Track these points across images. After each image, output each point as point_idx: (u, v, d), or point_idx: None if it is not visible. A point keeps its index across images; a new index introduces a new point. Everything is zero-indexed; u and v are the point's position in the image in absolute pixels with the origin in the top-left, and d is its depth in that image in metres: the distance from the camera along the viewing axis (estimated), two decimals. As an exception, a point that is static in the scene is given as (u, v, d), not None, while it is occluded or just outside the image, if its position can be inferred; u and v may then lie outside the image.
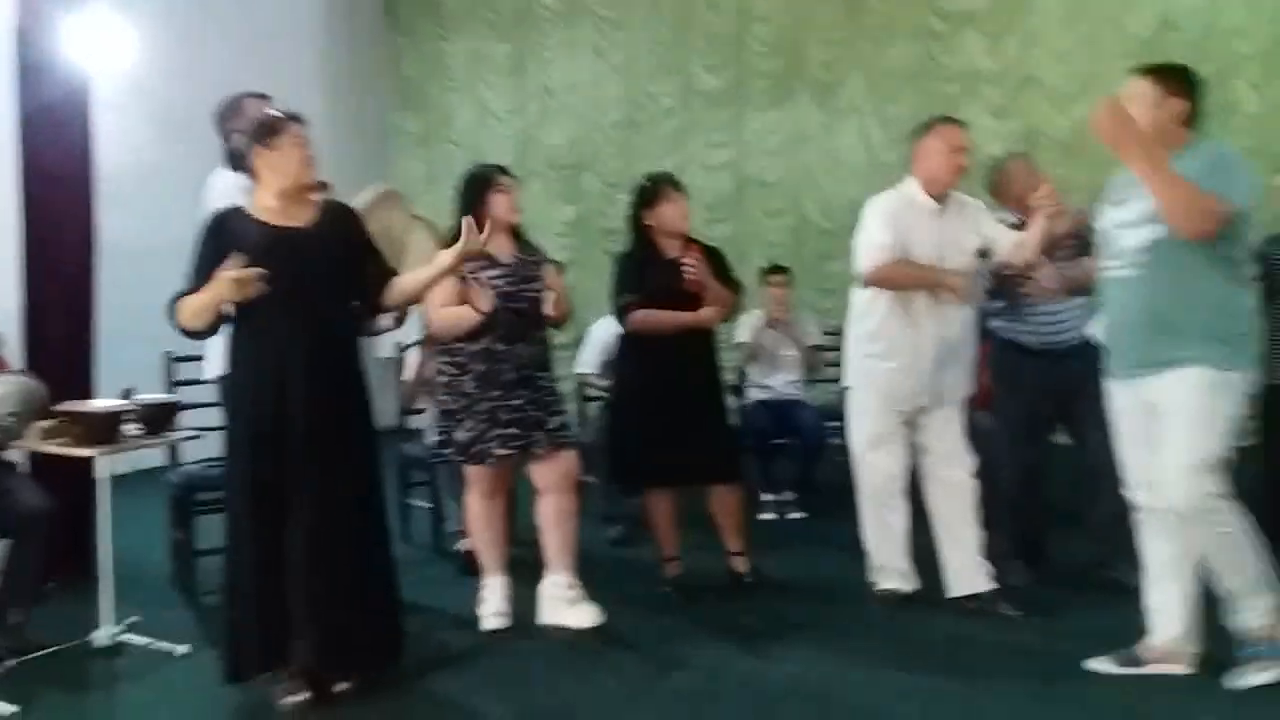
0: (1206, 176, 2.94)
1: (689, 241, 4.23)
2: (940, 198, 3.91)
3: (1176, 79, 3.11)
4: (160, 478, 4.62)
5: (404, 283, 3.36)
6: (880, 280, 3.87)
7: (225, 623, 3.21)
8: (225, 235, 3.09)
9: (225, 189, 3.62)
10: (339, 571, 3.15)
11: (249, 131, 3.19)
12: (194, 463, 4.56)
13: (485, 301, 3.61)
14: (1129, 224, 3.13)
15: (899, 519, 4.04)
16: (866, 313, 3.99)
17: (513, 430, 3.78)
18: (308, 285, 3.10)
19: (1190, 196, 2.91)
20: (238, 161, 3.23)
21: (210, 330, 3.11)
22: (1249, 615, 3.05)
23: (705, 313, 4.08)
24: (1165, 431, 3.02)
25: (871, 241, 3.88)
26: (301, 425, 3.07)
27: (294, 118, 3.18)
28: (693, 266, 4.02)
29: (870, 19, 7.90)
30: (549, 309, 3.91)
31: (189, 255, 3.12)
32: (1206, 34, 7.26)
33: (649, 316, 4.11)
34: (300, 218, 3.18)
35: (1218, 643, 3.20)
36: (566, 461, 3.88)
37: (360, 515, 3.24)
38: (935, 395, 3.92)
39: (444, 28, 8.87)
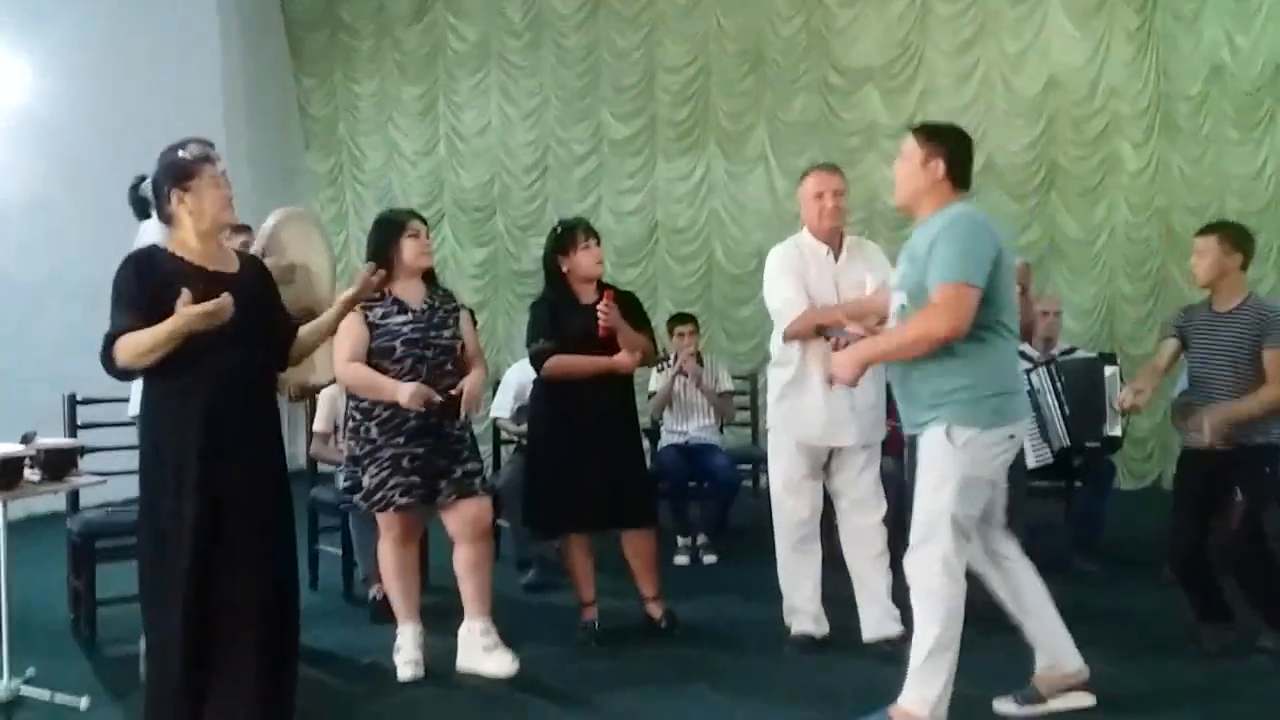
0: (926, 255, 3.01)
1: (603, 287, 4.28)
2: (832, 242, 4.01)
3: (939, 139, 3.15)
4: (58, 525, 4.47)
5: (304, 334, 3.32)
6: (799, 335, 3.93)
7: (152, 681, 3.02)
8: (156, 274, 2.97)
9: (158, 231, 3.53)
10: (277, 627, 3.06)
11: (163, 174, 3.07)
12: (95, 507, 4.42)
13: (416, 401, 3.62)
14: (895, 288, 3.25)
15: (812, 562, 4.10)
16: (782, 359, 4.06)
17: (415, 479, 3.75)
18: (242, 331, 2.99)
19: (912, 342, 3.02)
20: (145, 207, 3.10)
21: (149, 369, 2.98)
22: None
23: (620, 357, 4.11)
24: (917, 483, 3.12)
25: (783, 298, 3.97)
26: (235, 474, 2.99)
27: (208, 158, 3.10)
28: (605, 312, 4.07)
29: (773, 72, 8.15)
30: (471, 362, 3.92)
31: (111, 295, 2.97)
32: (1090, 94, 7.67)
33: (563, 362, 4.13)
34: (224, 262, 3.12)
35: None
36: (475, 510, 3.85)
37: (288, 566, 3.18)
38: (849, 440, 3.99)
39: (353, 69, 8.84)
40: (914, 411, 3.13)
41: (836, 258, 4.00)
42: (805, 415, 3.98)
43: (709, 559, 5.55)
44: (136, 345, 2.87)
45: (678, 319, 6.11)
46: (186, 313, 2.82)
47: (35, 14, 6.98)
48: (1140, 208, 7.61)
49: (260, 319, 3.10)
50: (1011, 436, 3.05)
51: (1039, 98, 7.75)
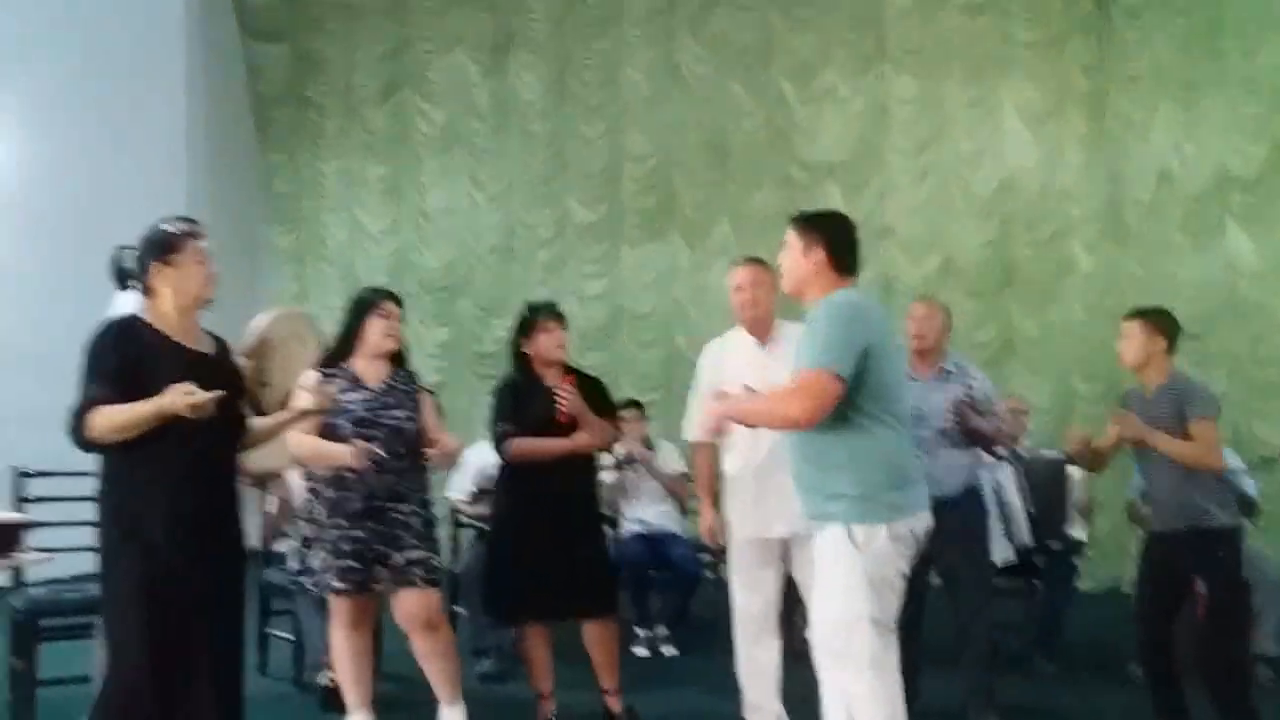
0: (803, 344, 3.01)
1: (567, 370, 4.27)
2: (758, 332, 4.01)
3: (818, 228, 3.14)
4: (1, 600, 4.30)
5: (257, 426, 3.30)
6: (705, 436, 3.91)
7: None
8: (134, 346, 2.94)
9: (134, 303, 3.49)
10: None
11: (146, 246, 3.06)
12: (40, 584, 4.27)
13: (359, 460, 3.58)
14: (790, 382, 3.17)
15: (770, 656, 4.01)
16: (726, 448, 4.03)
17: (350, 563, 3.68)
18: (222, 417, 2.96)
19: (767, 414, 3.06)
20: (125, 277, 3.09)
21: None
22: None
23: (582, 437, 4.08)
24: (819, 585, 3.03)
25: (694, 397, 4.06)
26: (204, 554, 2.94)
27: (193, 234, 3.09)
28: (565, 398, 4.04)
29: (736, 166, 8.30)
30: (440, 445, 3.88)
31: (86, 362, 2.93)
32: (1044, 195, 7.89)
33: (524, 445, 4.09)
34: (198, 340, 3.10)
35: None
36: (415, 601, 3.73)
37: (234, 645, 3.10)
38: (783, 530, 3.85)
39: (319, 147, 8.87)
40: (810, 506, 3.05)
41: (765, 346, 4.01)
42: (740, 508, 3.95)
43: (669, 650, 5.47)
44: (113, 421, 2.83)
45: (623, 405, 6.07)
46: (175, 402, 2.78)
47: None
48: (1094, 309, 7.76)
49: (231, 399, 3.05)
50: (913, 530, 2.96)
51: (994, 197, 7.95)
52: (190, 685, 2.89)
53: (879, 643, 2.91)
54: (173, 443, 2.87)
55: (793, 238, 3.16)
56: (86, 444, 2.87)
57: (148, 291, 3.05)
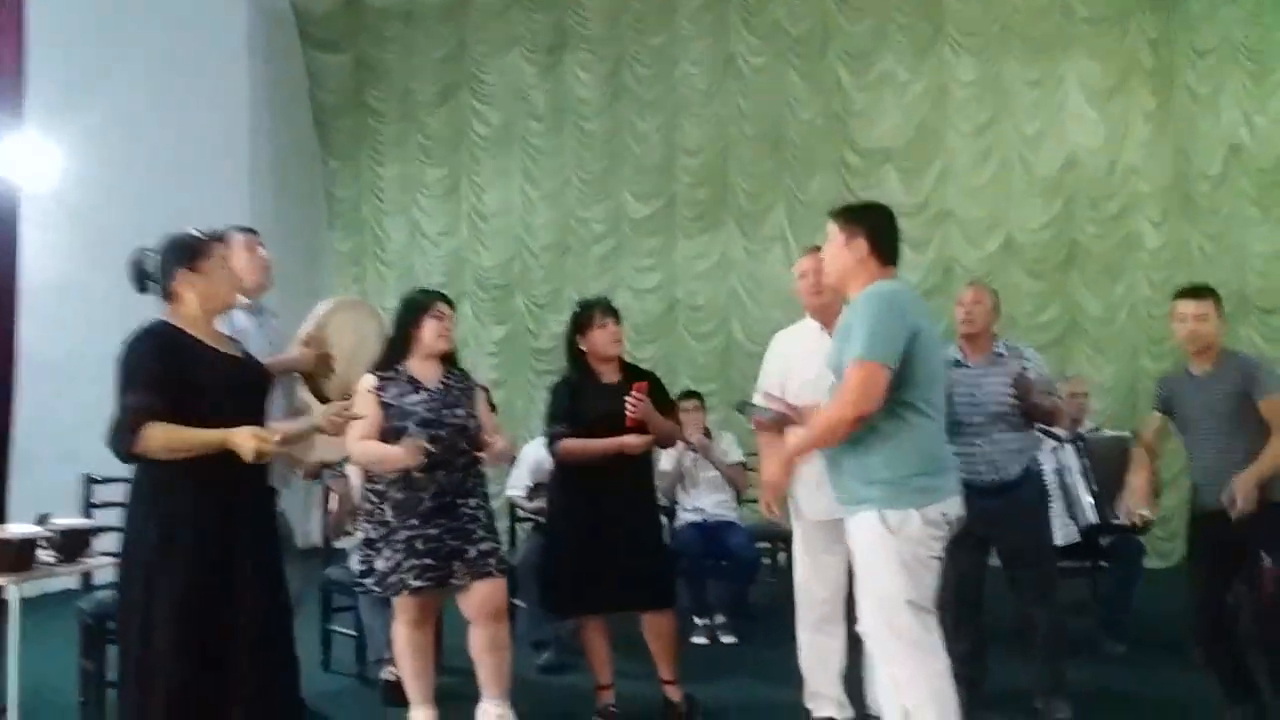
0: (845, 338, 2.99)
1: (627, 369, 4.28)
2: (824, 319, 3.96)
3: (858, 220, 3.14)
4: (70, 602, 4.43)
5: (291, 428, 3.32)
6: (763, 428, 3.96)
7: None
8: (173, 352, 2.94)
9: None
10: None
11: (171, 252, 3.04)
12: (108, 586, 4.39)
13: (415, 457, 3.62)
14: (829, 367, 3.18)
15: (834, 644, 3.97)
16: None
17: (428, 561, 3.71)
18: (247, 410, 2.99)
19: (825, 429, 2.99)
20: (141, 280, 3.08)
21: None
22: None
23: (628, 438, 4.04)
24: (859, 570, 3.04)
25: (763, 383, 4.05)
26: (247, 567, 2.94)
27: (218, 238, 3.12)
28: (635, 404, 4.03)
29: (791, 153, 8.24)
30: (489, 447, 3.92)
31: (124, 370, 2.90)
32: (1109, 173, 7.71)
33: (573, 446, 4.10)
34: (222, 344, 3.12)
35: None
36: (489, 591, 3.78)
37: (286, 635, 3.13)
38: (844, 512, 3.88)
39: (378, 151, 9.00)
40: (844, 491, 3.07)
41: (831, 333, 3.97)
42: (803, 489, 3.94)
43: (728, 639, 5.45)
44: (172, 440, 2.80)
45: (683, 396, 6.11)
46: (244, 445, 2.76)
47: (67, 99, 7.15)
48: (1160, 285, 7.58)
49: (261, 400, 3.11)
50: (944, 514, 2.97)
51: (1057, 177, 7.80)
52: (226, 707, 2.88)
53: (918, 624, 2.92)
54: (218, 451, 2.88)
55: (834, 231, 3.16)
56: (131, 456, 2.83)
57: (170, 296, 3.03)
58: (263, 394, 3.13)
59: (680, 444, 5.72)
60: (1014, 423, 4.17)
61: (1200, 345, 3.88)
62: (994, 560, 4.24)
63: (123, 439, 2.79)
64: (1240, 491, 3.65)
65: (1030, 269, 7.76)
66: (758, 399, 3.87)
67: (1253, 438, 3.76)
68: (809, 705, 4.04)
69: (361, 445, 3.74)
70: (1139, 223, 7.68)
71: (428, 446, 3.67)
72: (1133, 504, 4.01)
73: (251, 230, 3.83)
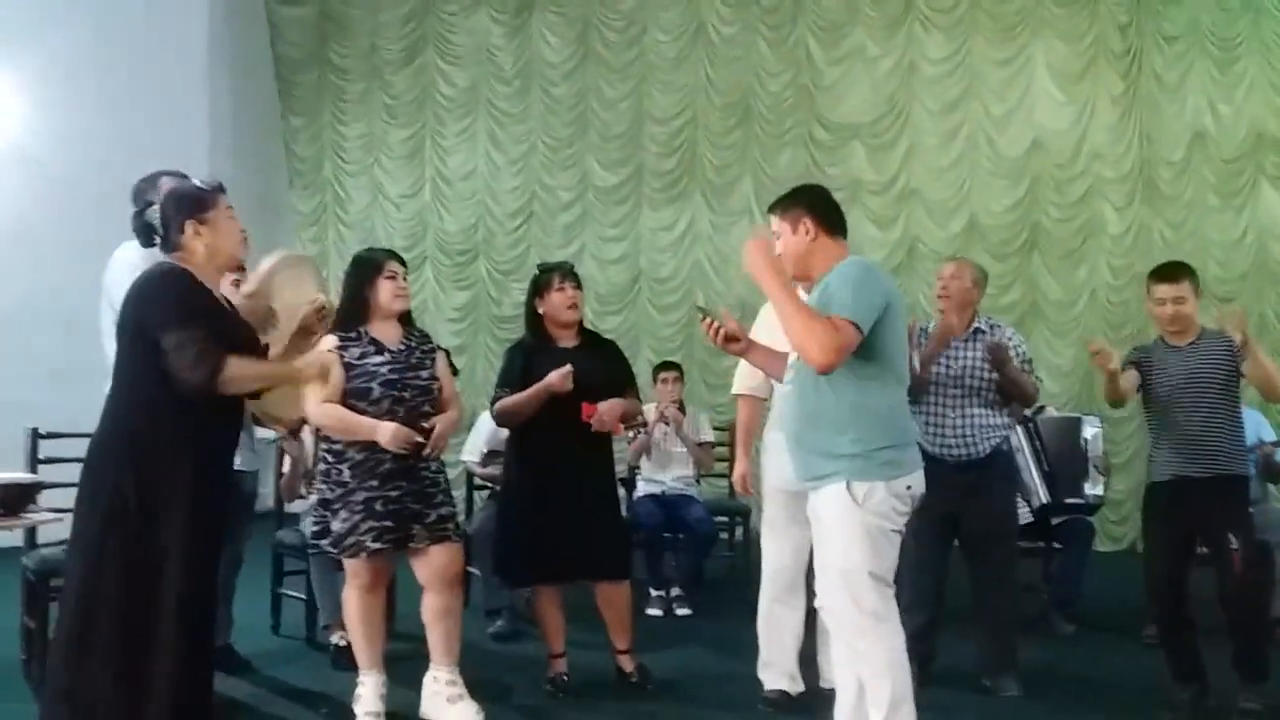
0: (829, 299, 2.94)
1: (587, 336, 4.25)
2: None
3: (796, 204, 3.11)
4: (13, 559, 4.34)
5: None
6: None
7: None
8: (202, 297, 2.96)
9: (133, 262, 3.48)
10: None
11: (175, 203, 3.01)
12: (53, 544, 4.30)
13: (397, 442, 3.57)
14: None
15: (793, 615, 3.99)
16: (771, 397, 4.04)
17: (388, 523, 3.65)
18: None
19: (797, 317, 2.89)
20: (150, 234, 3.03)
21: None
22: None
23: (554, 375, 3.95)
24: (821, 543, 3.04)
25: (740, 370, 4.06)
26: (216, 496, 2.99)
27: (220, 188, 3.08)
28: (601, 423, 4.00)
29: (760, 126, 8.19)
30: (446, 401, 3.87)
31: (161, 301, 2.88)
32: (1074, 156, 7.75)
33: (506, 403, 4.07)
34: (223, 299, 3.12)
35: None
36: (447, 556, 3.73)
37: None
38: None
39: (340, 110, 8.84)
40: (808, 465, 3.03)
41: None
42: (776, 459, 3.91)
43: (683, 611, 5.45)
44: (252, 373, 2.91)
45: (662, 366, 6.11)
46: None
47: (21, 41, 6.97)
48: (1121, 271, 7.66)
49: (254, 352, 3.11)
50: (909, 488, 2.96)
51: (1023, 159, 7.82)
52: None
53: (879, 596, 2.91)
54: (211, 406, 2.89)
55: (778, 223, 3.13)
56: (213, 387, 2.83)
57: (175, 248, 2.99)
58: (256, 342, 3.12)
59: (653, 413, 5.72)
60: (989, 399, 4.19)
61: (1181, 326, 3.89)
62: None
63: (207, 367, 2.80)
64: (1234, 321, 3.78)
65: (993, 250, 7.79)
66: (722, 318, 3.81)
67: (1227, 411, 3.81)
68: (761, 676, 4.05)
69: (327, 411, 3.65)
70: (1102, 207, 7.73)
71: (417, 439, 3.62)
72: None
73: (182, 175, 3.70)
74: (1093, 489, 5.14)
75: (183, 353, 2.80)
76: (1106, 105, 7.70)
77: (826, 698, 3.85)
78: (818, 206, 3.11)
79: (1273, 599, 4.37)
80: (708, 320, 3.26)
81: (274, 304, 3.65)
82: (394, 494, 3.66)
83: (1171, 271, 3.97)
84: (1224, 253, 7.41)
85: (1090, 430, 5.21)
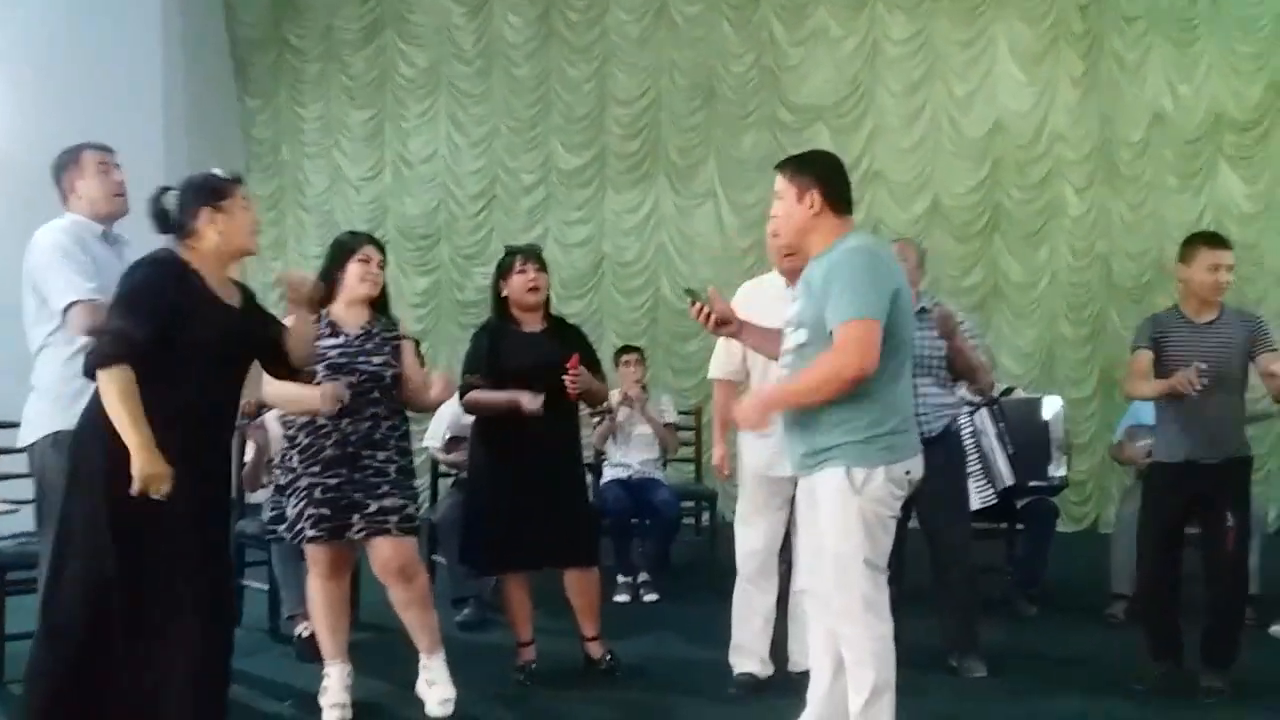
0: (823, 289, 2.90)
1: (552, 320, 4.22)
2: (792, 278, 3.94)
3: (807, 170, 3.01)
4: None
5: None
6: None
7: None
8: (184, 291, 2.93)
9: (61, 244, 3.39)
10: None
11: (193, 190, 3.04)
12: (5, 537, 4.22)
13: (327, 402, 3.51)
14: (790, 324, 3.09)
15: (765, 599, 3.99)
16: (748, 388, 4.02)
17: (324, 511, 3.61)
18: (231, 361, 3.06)
19: (820, 384, 2.84)
20: (166, 219, 3.04)
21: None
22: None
23: (525, 397, 3.91)
24: (812, 525, 3.01)
25: (717, 354, 4.08)
26: (198, 484, 2.93)
27: (238, 179, 3.12)
28: (574, 380, 3.95)
29: (724, 108, 8.15)
30: (417, 390, 3.83)
31: (129, 288, 2.89)
32: (1035, 138, 7.78)
33: (477, 397, 4.04)
34: (229, 293, 3.09)
35: None
36: (389, 550, 3.65)
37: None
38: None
39: (298, 91, 8.68)
40: (806, 448, 2.98)
41: (794, 288, 3.94)
42: (754, 444, 3.90)
43: (650, 597, 5.44)
44: (122, 401, 2.77)
45: (624, 350, 6.09)
46: (154, 473, 2.74)
47: (-34, 25, 6.78)
48: (1082, 252, 7.71)
49: (249, 353, 3.13)
50: (908, 473, 2.94)
51: (985, 140, 7.84)
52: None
53: (871, 583, 2.89)
54: (188, 389, 2.88)
55: (783, 185, 3.03)
56: (94, 374, 2.82)
57: (188, 234, 3.02)
58: (251, 345, 3.14)
59: (617, 396, 5.70)
60: (940, 377, 4.21)
61: (1220, 296, 3.89)
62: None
63: (96, 360, 2.81)
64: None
65: (955, 232, 7.81)
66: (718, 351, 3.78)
67: (1238, 393, 3.85)
68: (731, 660, 4.05)
69: (276, 385, 3.59)
70: (1062, 189, 7.77)
71: (345, 392, 3.56)
72: (1186, 375, 3.74)
73: (105, 148, 3.65)
74: (1055, 470, 5.17)
75: (100, 336, 2.86)
76: (1067, 86, 7.73)
77: (796, 681, 3.89)
78: (830, 181, 3.01)
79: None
80: (697, 305, 3.22)
81: None
82: (332, 481, 3.63)
83: (1221, 238, 3.97)
84: (1182, 233, 7.21)
85: (1050, 410, 5.23)
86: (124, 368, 2.78)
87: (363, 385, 3.68)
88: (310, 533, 3.63)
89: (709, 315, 3.18)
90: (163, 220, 3.04)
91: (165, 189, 3.06)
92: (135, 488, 2.72)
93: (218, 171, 3.11)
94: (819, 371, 2.86)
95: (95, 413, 2.85)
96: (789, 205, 3.02)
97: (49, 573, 2.94)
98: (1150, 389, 3.93)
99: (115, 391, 2.77)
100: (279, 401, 3.70)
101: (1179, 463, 3.90)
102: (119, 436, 2.76)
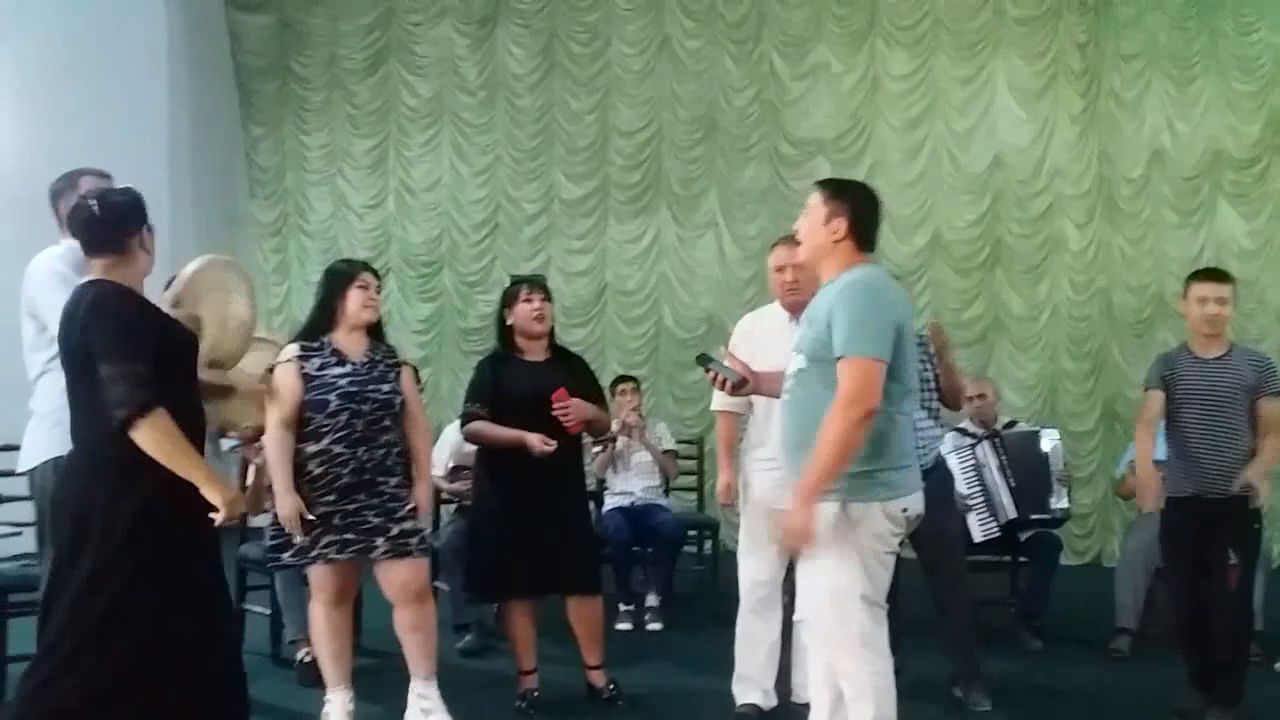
0: (826, 320, 2.86)
1: (556, 350, 4.24)
2: (795, 311, 3.94)
3: (842, 198, 2.97)
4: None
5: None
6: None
7: None
8: (150, 315, 2.89)
9: (60, 272, 3.40)
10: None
11: (130, 209, 2.94)
12: (6, 559, 4.19)
13: (289, 520, 3.56)
14: (794, 349, 3.08)
15: (767, 630, 3.96)
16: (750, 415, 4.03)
17: (349, 535, 3.62)
18: (189, 383, 2.99)
19: (837, 443, 2.78)
20: (93, 236, 2.96)
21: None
22: None
23: (532, 438, 3.92)
24: (809, 558, 2.94)
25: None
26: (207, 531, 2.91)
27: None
28: (565, 414, 3.97)
29: (725, 140, 8.20)
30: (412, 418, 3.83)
31: (114, 327, 2.76)
32: (1035, 173, 7.83)
33: (479, 429, 4.06)
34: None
35: None
36: (409, 572, 3.67)
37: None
38: None
39: (302, 119, 8.73)
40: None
41: (797, 321, 3.95)
42: (759, 474, 3.90)
43: (654, 626, 5.40)
44: (169, 443, 2.73)
45: (620, 380, 6.12)
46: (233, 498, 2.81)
47: (-26, 50, 6.82)
48: (1082, 287, 7.74)
49: (194, 364, 3.05)
50: (905, 510, 2.89)
51: (985, 175, 7.89)
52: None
53: (869, 619, 2.86)
54: (181, 409, 2.82)
55: (816, 203, 3.00)
56: (125, 432, 2.69)
57: (120, 253, 2.90)
58: (194, 358, 3.05)
59: (616, 425, 5.69)
60: (932, 409, 4.22)
61: (1218, 328, 3.92)
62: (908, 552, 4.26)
63: (134, 412, 2.68)
64: (1255, 479, 3.74)
65: (956, 266, 7.85)
66: (724, 359, 3.77)
67: (1244, 431, 3.85)
68: (735, 690, 4.02)
69: (269, 446, 3.64)
70: (1062, 224, 7.81)
71: (299, 530, 3.62)
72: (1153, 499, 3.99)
73: (104, 174, 3.66)
74: (1057, 502, 5.17)
75: (115, 388, 2.70)
76: (1066, 123, 7.79)
77: (799, 712, 3.87)
78: (861, 214, 2.97)
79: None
80: (712, 374, 3.23)
81: (200, 311, 3.57)
82: (351, 507, 3.63)
83: (1215, 272, 4.03)
84: (1182, 269, 7.41)
85: (1049, 443, 5.24)
86: (160, 411, 2.71)
87: (375, 414, 3.69)
88: (335, 556, 3.63)
89: (724, 381, 3.19)
90: (94, 237, 2.91)
91: (87, 201, 2.93)
92: (221, 518, 2.75)
93: (134, 190, 3.02)
94: (830, 430, 2.80)
95: (103, 468, 2.79)
96: (814, 223, 3.00)
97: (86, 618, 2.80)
98: (1141, 467, 4.00)
99: (164, 435, 2.70)
100: (268, 458, 3.70)
101: (1186, 497, 3.92)
102: (151, 483, 2.73)
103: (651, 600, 5.54)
